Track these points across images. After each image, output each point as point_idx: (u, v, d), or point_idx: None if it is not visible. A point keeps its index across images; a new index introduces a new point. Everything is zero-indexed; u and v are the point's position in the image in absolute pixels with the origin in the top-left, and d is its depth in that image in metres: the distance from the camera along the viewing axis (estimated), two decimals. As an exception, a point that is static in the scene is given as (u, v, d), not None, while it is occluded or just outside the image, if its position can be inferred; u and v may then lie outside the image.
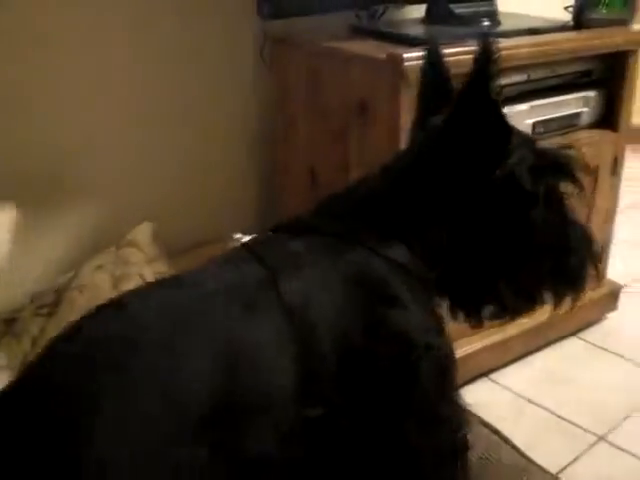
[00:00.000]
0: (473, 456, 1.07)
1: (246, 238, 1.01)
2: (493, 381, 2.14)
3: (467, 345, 2.05)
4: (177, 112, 2.09)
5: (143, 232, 1.95)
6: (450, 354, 0.88)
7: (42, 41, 1.83)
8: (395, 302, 0.82)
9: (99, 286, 1.79)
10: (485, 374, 2.15)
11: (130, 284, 1.81)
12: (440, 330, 0.88)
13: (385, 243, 0.87)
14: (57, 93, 1.90)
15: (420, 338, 0.82)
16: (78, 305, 1.79)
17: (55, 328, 1.75)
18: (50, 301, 1.82)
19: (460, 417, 0.87)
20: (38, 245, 2.00)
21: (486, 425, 1.24)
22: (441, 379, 0.85)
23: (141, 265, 1.87)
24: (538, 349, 2.27)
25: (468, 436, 0.91)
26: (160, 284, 0.87)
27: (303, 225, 0.91)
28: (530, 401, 2.07)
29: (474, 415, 1.24)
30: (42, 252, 2.00)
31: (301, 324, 0.76)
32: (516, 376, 2.17)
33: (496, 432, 1.22)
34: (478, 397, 2.05)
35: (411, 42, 1.80)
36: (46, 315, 1.73)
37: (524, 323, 2.17)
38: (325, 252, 0.85)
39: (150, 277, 1.86)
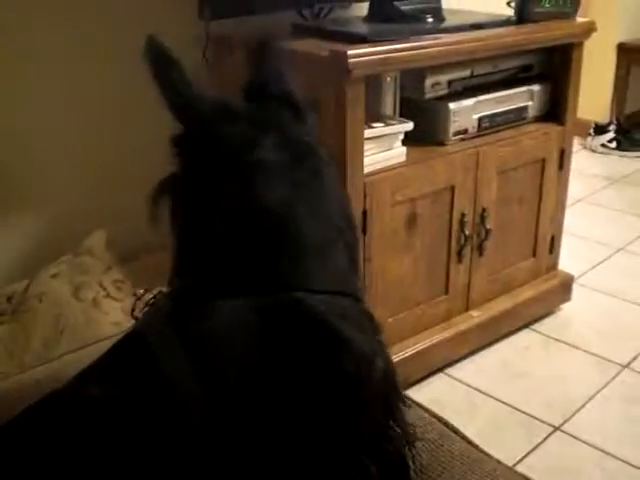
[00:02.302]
0: (424, 449, 1.06)
1: (147, 295, 0.93)
2: (448, 375, 2.15)
3: (422, 340, 2.06)
4: (120, 115, 2.06)
5: (96, 240, 1.92)
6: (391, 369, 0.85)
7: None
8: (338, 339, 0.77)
9: (58, 294, 1.76)
10: (440, 369, 2.15)
11: (91, 292, 1.79)
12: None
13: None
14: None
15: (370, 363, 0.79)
16: (41, 313, 1.76)
17: (17, 336, 1.72)
18: (3, 309, 1.79)
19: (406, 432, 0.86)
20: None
21: (437, 417, 1.23)
22: (387, 399, 0.83)
23: (99, 273, 1.84)
24: (493, 342, 2.28)
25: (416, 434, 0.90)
26: None
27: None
28: (485, 394, 2.08)
29: (426, 409, 1.24)
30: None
31: None
32: (471, 370, 2.18)
33: (446, 424, 1.22)
34: (433, 391, 2.05)
35: (353, 39, 1.79)
36: (3, 323, 1.69)
37: (478, 317, 2.18)
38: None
39: (109, 285, 1.83)
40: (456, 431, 1.22)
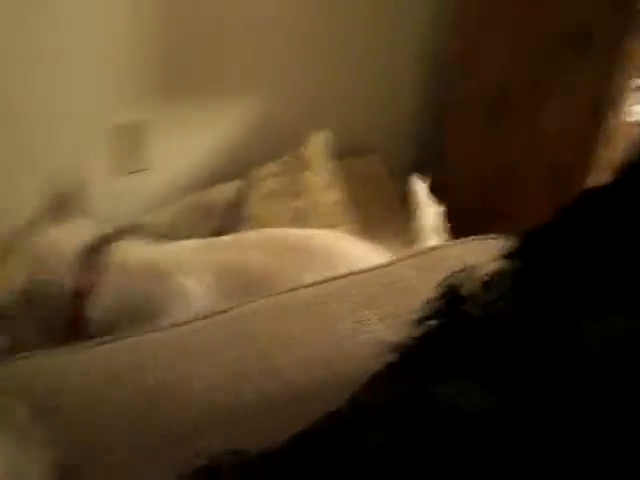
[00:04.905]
0: None
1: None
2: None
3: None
4: (348, 29, 1.98)
5: (317, 145, 1.83)
6: None
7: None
8: None
9: (276, 221, 1.69)
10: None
11: (309, 221, 1.71)
12: None
13: None
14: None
15: None
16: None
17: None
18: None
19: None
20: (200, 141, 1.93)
21: None
22: None
23: (316, 193, 1.75)
24: None
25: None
26: None
27: None
28: None
29: None
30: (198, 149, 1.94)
31: None
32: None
33: None
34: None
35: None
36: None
37: None
38: None
39: (326, 209, 1.73)
40: None
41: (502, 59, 1.85)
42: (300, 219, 1.72)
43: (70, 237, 1.50)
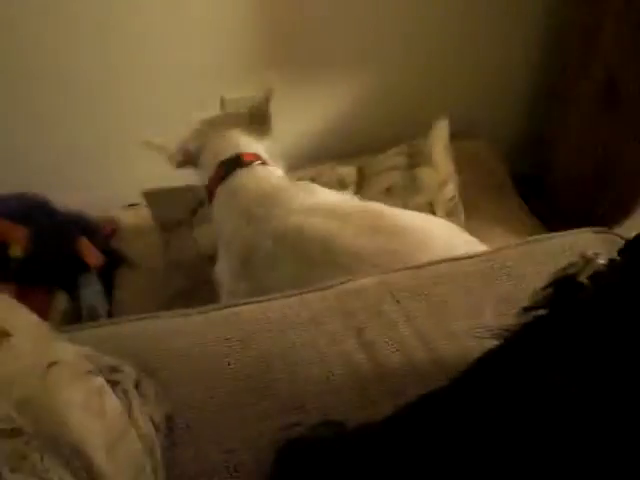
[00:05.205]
0: None
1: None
2: None
3: None
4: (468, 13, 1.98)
5: (439, 138, 1.80)
6: None
7: None
8: None
9: None
10: None
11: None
12: None
13: None
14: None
15: None
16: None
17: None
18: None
19: None
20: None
21: None
22: None
23: (433, 190, 1.73)
24: None
25: None
26: None
27: None
28: None
29: None
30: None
31: None
32: None
33: None
34: None
35: None
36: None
37: None
38: None
39: (440, 207, 1.71)
40: None
41: (613, 49, 1.80)
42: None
43: (227, 145, 1.57)
